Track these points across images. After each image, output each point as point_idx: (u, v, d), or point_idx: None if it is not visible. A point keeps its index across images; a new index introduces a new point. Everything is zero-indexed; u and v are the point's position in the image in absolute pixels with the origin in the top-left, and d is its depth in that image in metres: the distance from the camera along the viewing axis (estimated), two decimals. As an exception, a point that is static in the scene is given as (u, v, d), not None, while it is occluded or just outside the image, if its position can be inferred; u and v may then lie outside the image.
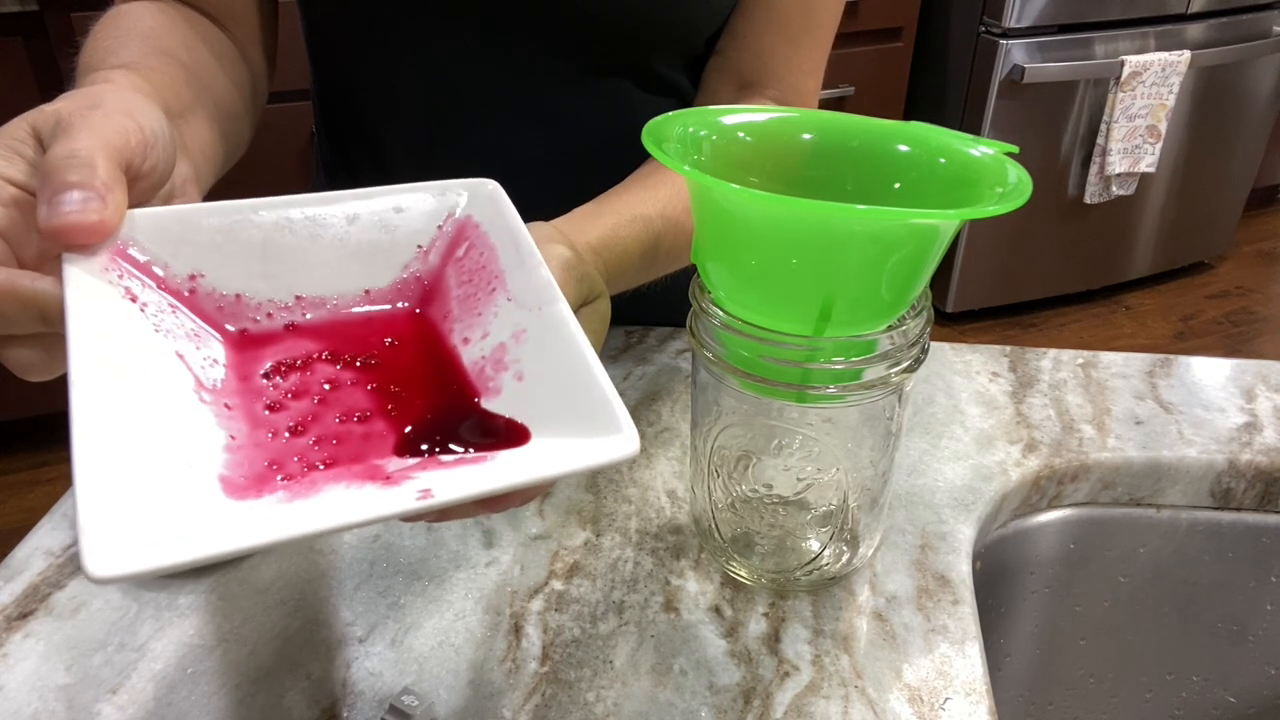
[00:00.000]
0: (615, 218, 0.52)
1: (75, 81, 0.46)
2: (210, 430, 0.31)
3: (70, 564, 0.51)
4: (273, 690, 0.45)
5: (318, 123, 0.73)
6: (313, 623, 0.48)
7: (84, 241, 0.32)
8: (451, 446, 0.32)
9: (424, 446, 0.32)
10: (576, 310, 0.42)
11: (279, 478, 0.30)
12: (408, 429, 0.33)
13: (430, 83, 0.64)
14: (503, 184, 0.39)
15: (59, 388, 0.35)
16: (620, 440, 0.29)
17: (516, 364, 0.34)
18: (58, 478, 1.85)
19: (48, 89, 1.58)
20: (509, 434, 0.32)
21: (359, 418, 0.33)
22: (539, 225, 0.46)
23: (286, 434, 0.32)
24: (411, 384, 0.35)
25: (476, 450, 0.32)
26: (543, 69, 0.63)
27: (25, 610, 0.49)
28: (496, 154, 0.65)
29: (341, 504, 0.28)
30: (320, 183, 0.75)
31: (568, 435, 0.30)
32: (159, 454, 0.29)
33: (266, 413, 0.33)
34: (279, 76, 0.66)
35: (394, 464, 0.31)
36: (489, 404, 0.34)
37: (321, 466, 0.31)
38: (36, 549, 0.52)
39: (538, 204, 0.47)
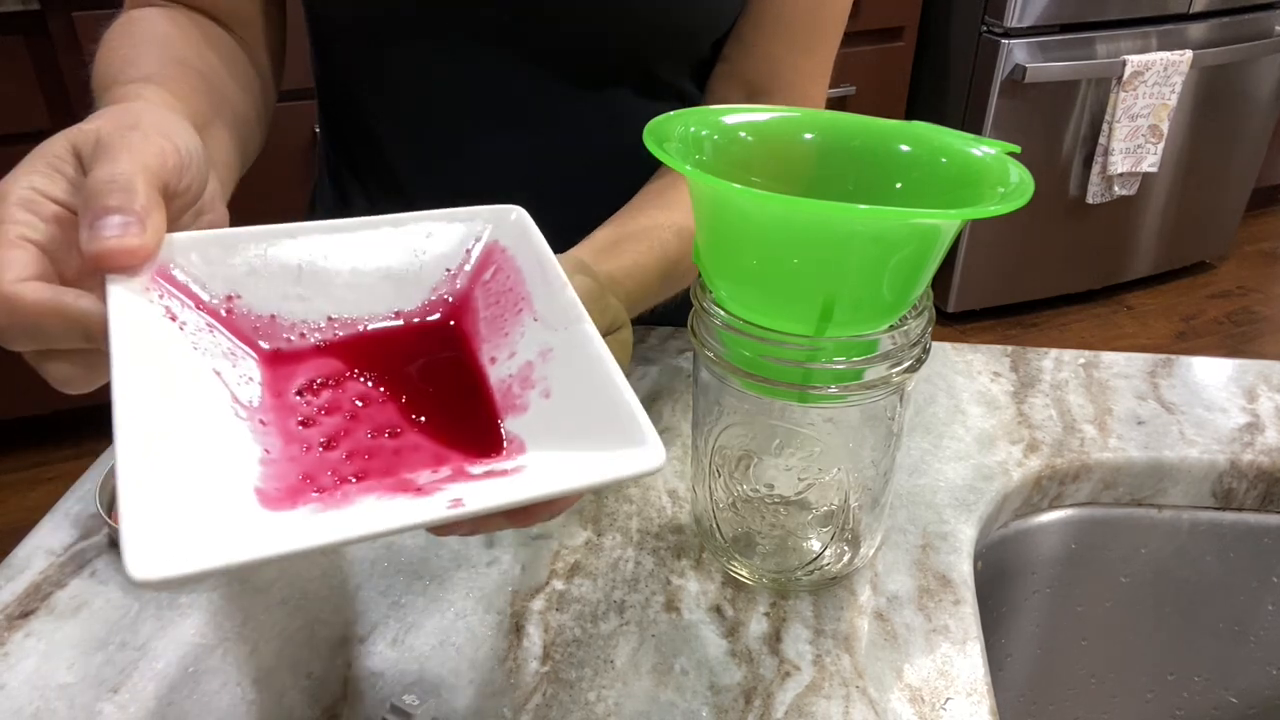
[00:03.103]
0: (634, 245, 0.53)
1: (94, 92, 0.46)
2: (246, 444, 0.32)
3: (71, 563, 0.51)
4: (274, 689, 0.45)
5: (321, 125, 0.73)
6: (314, 622, 0.48)
7: (123, 265, 0.32)
8: (477, 462, 0.33)
9: (451, 463, 0.33)
10: None
11: (313, 490, 0.31)
12: (434, 446, 0.34)
13: (435, 92, 0.64)
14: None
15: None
16: (646, 452, 0.30)
17: (544, 381, 0.35)
18: (58, 477, 1.85)
19: (49, 88, 1.58)
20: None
21: (390, 433, 0.34)
22: (561, 257, 0.46)
23: (319, 448, 0.33)
24: (439, 402, 0.36)
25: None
26: (547, 77, 0.63)
27: (27, 609, 0.49)
28: (501, 161, 0.65)
29: (376, 513, 0.29)
30: (322, 183, 0.75)
31: (595, 449, 0.31)
32: (198, 466, 0.29)
33: (300, 428, 0.34)
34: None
35: (424, 477, 0.32)
36: (515, 421, 0.35)
37: (354, 480, 0.32)
38: (38, 548, 0.52)
39: (545, 210, 0.47)
